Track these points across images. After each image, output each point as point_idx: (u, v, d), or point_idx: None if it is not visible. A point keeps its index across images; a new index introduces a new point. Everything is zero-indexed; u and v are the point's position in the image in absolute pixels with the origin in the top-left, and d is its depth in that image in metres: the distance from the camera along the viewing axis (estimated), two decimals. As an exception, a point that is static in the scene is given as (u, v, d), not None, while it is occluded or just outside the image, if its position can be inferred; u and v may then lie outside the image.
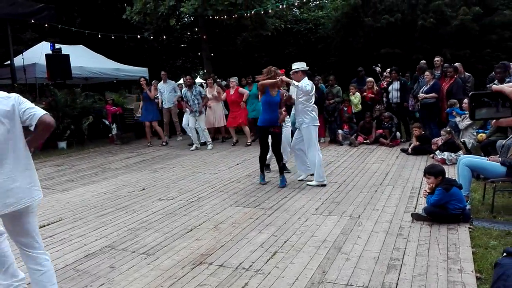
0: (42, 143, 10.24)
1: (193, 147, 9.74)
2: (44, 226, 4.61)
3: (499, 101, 1.28)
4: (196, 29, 16.69)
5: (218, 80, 12.05)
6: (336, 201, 5.11)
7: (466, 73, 9.06)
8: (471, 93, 1.34)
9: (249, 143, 9.80)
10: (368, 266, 3.30)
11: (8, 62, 11.34)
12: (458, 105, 7.45)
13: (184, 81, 10.49)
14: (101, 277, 3.32)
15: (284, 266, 3.38)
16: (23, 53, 11.44)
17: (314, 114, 6.06)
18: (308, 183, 6.02)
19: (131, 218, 4.77)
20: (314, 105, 6.11)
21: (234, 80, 10.08)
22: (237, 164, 7.71)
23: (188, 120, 9.77)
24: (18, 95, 2.63)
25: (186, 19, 18.72)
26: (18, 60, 11.30)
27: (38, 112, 2.55)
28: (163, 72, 11.16)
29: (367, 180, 6.12)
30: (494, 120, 1.39)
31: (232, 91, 9.90)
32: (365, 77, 10.76)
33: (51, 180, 7.05)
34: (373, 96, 9.77)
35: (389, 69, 10.04)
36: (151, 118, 10.48)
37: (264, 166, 6.33)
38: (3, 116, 2.48)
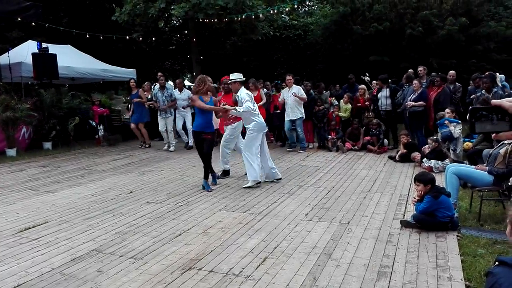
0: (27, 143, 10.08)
1: (170, 147, 9.94)
2: (30, 228, 4.50)
3: (498, 115, 1.30)
4: (186, 32, 16.64)
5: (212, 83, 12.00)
6: (325, 207, 5.12)
7: (456, 83, 9.21)
8: (470, 107, 1.36)
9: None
10: (358, 273, 3.30)
11: (-7, 60, 11.10)
12: (447, 114, 7.53)
13: (158, 81, 10.42)
14: (88, 281, 3.25)
15: (275, 272, 3.36)
16: (9, 52, 11.22)
17: (261, 119, 6.35)
18: (244, 186, 6.22)
19: (119, 222, 4.70)
20: (258, 112, 6.41)
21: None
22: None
23: (163, 124, 9.93)
24: None
25: (175, 22, 18.66)
26: (3, 59, 11.06)
27: None
28: (178, 80, 11.03)
29: (356, 186, 6.16)
30: (494, 134, 1.41)
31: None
32: (356, 84, 10.89)
33: (36, 181, 6.90)
34: (362, 104, 9.88)
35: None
36: (137, 120, 10.40)
37: (208, 172, 6.22)
38: None
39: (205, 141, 6.12)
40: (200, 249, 3.86)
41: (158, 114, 10.04)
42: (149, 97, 10.56)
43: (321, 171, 7.27)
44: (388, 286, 3.09)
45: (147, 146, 10.51)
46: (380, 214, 4.80)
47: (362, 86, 10.35)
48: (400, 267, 3.40)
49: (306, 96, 9.35)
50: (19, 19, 11.29)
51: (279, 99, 9.70)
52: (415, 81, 8.50)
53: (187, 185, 6.40)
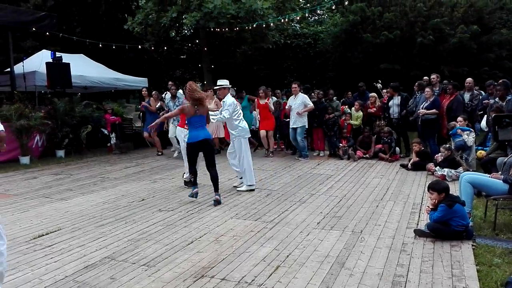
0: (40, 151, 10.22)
1: (176, 154, 9.97)
2: (43, 235, 4.54)
3: None
4: (197, 41, 16.78)
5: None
6: (337, 216, 5.08)
7: (475, 91, 9.13)
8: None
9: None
10: (372, 283, 3.26)
11: (8, 69, 11.31)
12: (459, 123, 7.46)
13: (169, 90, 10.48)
14: (101, 288, 3.27)
15: (287, 281, 3.34)
16: (24, 61, 11.43)
17: (243, 126, 6.58)
18: (238, 188, 6.54)
19: (131, 229, 4.72)
20: (241, 118, 6.64)
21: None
22: (237, 176, 7.65)
23: (174, 131, 9.86)
24: None
25: (186, 31, 18.85)
26: (18, 68, 11.27)
27: None
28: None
29: (368, 194, 6.11)
30: None
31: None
32: (367, 92, 10.86)
33: (49, 188, 6.97)
34: (374, 112, 9.84)
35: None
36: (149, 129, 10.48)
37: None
38: None
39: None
40: (212, 257, 3.85)
41: (170, 121, 10.09)
42: (158, 106, 10.65)
43: (333, 179, 7.23)
44: (403, 296, 3.05)
45: (159, 154, 10.58)
46: (393, 223, 4.75)
47: (373, 94, 10.33)
48: (415, 277, 3.35)
49: (312, 105, 9.34)
50: (33, 29, 11.51)
51: (286, 107, 9.74)
52: (427, 89, 8.45)
53: (199, 193, 6.39)
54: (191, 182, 6.17)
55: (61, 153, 10.39)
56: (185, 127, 6.58)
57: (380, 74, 15.03)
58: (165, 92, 11.49)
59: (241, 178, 6.75)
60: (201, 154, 6.04)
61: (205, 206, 5.63)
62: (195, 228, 4.72)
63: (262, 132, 9.99)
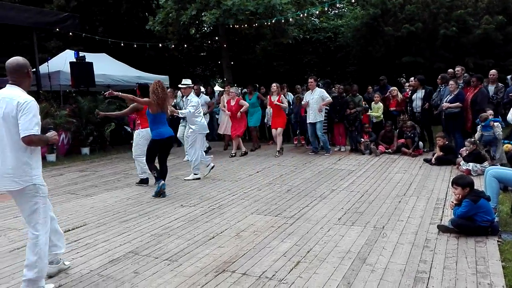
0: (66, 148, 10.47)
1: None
2: (69, 230, 4.67)
3: None
4: (216, 38, 16.85)
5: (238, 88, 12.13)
6: (359, 211, 5.04)
7: (499, 83, 8.88)
8: None
9: (244, 152, 9.82)
10: (394, 279, 3.23)
11: (34, 69, 11.62)
12: (491, 115, 7.28)
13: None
14: (125, 282, 3.34)
15: (308, 276, 3.34)
16: (48, 61, 11.73)
17: (202, 123, 7.37)
18: (185, 178, 7.21)
19: (154, 224, 4.80)
20: (202, 115, 7.48)
21: (234, 91, 10.12)
22: (257, 172, 7.70)
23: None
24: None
25: (205, 28, 18.94)
26: (43, 68, 11.58)
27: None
28: (196, 86, 11.11)
29: (390, 190, 6.04)
30: None
31: (233, 102, 9.87)
32: (388, 86, 10.70)
33: (75, 185, 7.16)
34: (395, 108, 9.68)
35: (412, 78, 9.95)
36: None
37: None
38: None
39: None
40: (233, 252, 3.89)
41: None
42: (173, 103, 10.72)
43: (354, 175, 7.17)
44: (426, 292, 3.01)
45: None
46: (416, 219, 4.68)
47: (394, 87, 10.16)
48: (438, 273, 3.30)
49: (330, 98, 9.25)
50: (57, 29, 11.78)
51: (303, 102, 9.65)
52: (451, 82, 8.26)
53: (219, 189, 6.47)
54: (156, 178, 6.18)
55: (86, 150, 10.64)
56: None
57: (402, 67, 14.77)
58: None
59: (208, 166, 7.50)
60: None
61: (226, 202, 5.68)
62: (216, 223, 4.77)
63: (274, 131, 9.92)
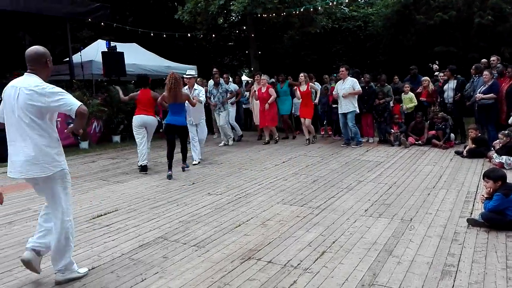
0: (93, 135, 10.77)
1: (229, 142, 10.14)
2: (101, 215, 4.85)
3: None
4: (244, 27, 16.83)
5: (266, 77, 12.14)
6: (386, 203, 5.00)
7: None
8: None
9: (277, 139, 10.07)
10: (421, 271, 3.21)
11: (67, 59, 11.98)
12: None
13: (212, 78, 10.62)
14: (155, 266, 3.45)
15: (333, 266, 3.36)
16: (81, 51, 12.04)
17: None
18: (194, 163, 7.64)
19: (182, 211, 4.92)
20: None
21: (265, 78, 10.11)
22: (283, 162, 7.72)
23: (224, 119, 10.03)
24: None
25: (233, 17, 18.94)
26: (76, 57, 11.92)
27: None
28: (225, 75, 11.13)
29: (419, 182, 5.94)
30: None
31: (264, 89, 9.89)
32: (419, 76, 10.44)
33: (106, 172, 7.38)
34: (426, 98, 9.44)
35: (443, 71, 9.66)
36: None
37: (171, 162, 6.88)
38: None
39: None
40: (259, 240, 3.94)
41: (215, 111, 10.16)
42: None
43: (382, 166, 7.09)
44: (453, 286, 2.98)
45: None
46: (445, 212, 4.60)
47: (426, 78, 9.89)
48: (466, 267, 3.26)
49: (360, 89, 9.08)
50: (89, 19, 12.04)
51: (333, 92, 9.53)
52: (485, 72, 7.99)
53: (246, 178, 6.53)
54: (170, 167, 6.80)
55: (116, 138, 10.92)
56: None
57: (434, 57, 14.37)
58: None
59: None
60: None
61: (252, 191, 5.74)
62: (243, 212, 4.84)
63: (303, 120, 9.88)
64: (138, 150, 7.23)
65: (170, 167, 6.76)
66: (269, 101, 9.71)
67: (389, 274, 3.19)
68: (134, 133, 7.34)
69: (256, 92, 10.08)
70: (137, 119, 7.29)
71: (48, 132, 3.10)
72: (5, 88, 3.13)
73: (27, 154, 3.02)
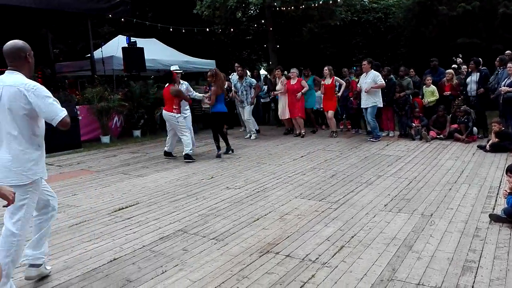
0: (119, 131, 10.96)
1: (251, 136, 10.21)
2: (123, 208, 4.95)
3: None
4: (263, 21, 16.79)
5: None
6: (406, 198, 4.95)
7: None
8: None
9: (303, 134, 10.02)
10: (441, 267, 3.18)
11: (89, 55, 12.18)
12: None
13: (236, 71, 10.69)
14: (175, 258, 3.51)
15: (352, 261, 3.35)
16: (102, 46, 12.22)
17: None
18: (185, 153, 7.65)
19: (201, 205, 4.98)
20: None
21: (295, 71, 10.14)
22: (302, 157, 7.71)
23: (248, 113, 10.15)
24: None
25: (252, 11, 18.89)
26: (97, 53, 12.10)
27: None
28: (240, 68, 11.16)
29: (441, 177, 5.85)
30: None
31: (293, 81, 9.91)
32: (440, 68, 10.22)
33: (127, 166, 7.51)
34: (450, 92, 9.24)
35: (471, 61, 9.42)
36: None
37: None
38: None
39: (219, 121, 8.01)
40: (277, 234, 3.96)
41: (238, 104, 10.30)
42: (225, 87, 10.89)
43: (402, 161, 7.00)
44: (474, 282, 2.94)
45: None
46: (466, 207, 4.53)
47: (450, 70, 9.65)
48: (488, 263, 3.21)
49: (383, 83, 8.94)
50: (110, 16, 12.20)
51: (357, 86, 9.44)
52: (510, 64, 7.77)
53: (264, 172, 6.55)
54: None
55: (137, 133, 11.08)
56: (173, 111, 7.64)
57: (457, 49, 14.01)
58: (232, 73, 11.71)
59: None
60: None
61: (270, 185, 5.75)
62: (261, 206, 4.86)
63: (329, 113, 9.86)
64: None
65: (218, 148, 7.90)
66: (302, 91, 9.82)
67: (409, 269, 3.16)
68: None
69: (284, 86, 10.12)
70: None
71: (27, 137, 2.86)
72: None
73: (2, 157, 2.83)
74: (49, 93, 2.85)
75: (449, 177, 5.85)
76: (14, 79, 2.81)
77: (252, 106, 10.33)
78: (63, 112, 2.82)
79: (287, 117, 10.36)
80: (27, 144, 2.85)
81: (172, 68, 8.34)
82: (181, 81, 8.30)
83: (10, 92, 2.77)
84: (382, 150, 8.07)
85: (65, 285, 3.14)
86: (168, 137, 7.98)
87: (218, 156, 7.84)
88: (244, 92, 10.13)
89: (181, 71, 8.27)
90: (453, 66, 10.52)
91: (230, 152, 8.22)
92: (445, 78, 9.44)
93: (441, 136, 8.83)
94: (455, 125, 8.73)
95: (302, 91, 9.84)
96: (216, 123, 8.02)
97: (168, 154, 7.98)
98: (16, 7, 9.64)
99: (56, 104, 2.84)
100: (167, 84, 7.82)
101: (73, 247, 3.82)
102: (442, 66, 10.42)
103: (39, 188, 2.97)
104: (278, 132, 11.09)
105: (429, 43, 15.14)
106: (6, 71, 2.86)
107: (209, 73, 8.07)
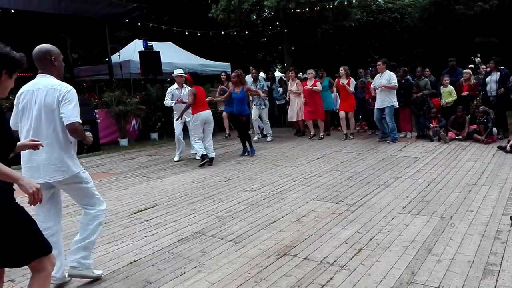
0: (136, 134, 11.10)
1: (268, 137, 10.21)
2: (142, 210, 5.02)
3: None
4: (277, 23, 16.80)
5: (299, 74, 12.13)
6: (425, 200, 4.89)
7: None
8: None
9: (321, 136, 9.97)
10: (461, 270, 3.14)
11: (106, 59, 12.39)
12: None
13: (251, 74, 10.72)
14: (193, 260, 3.55)
15: (370, 263, 3.33)
16: (119, 51, 12.42)
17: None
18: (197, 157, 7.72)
19: (218, 207, 5.01)
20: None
21: (311, 72, 10.10)
22: (318, 158, 7.69)
23: (256, 114, 10.19)
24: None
25: (266, 13, 18.92)
26: (114, 57, 12.31)
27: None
28: (255, 71, 11.14)
29: (460, 178, 5.77)
30: None
31: (310, 83, 9.87)
32: (458, 68, 10.08)
33: (145, 168, 7.61)
34: (468, 92, 9.09)
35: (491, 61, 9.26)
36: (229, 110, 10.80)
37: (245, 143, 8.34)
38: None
39: (241, 122, 8.22)
40: (294, 237, 3.97)
41: (253, 104, 10.35)
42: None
43: (420, 162, 6.92)
44: (495, 285, 2.90)
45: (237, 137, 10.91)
46: (487, 209, 4.46)
47: (467, 70, 9.52)
48: (510, 266, 3.15)
49: (395, 84, 8.82)
50: (126, 20, 12.39)
51: (372, 86, 9.37)
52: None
53: (280, 174, 6.56)
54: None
55: (154, 135, 11.22)
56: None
57: (475, 48, 13.78)
58: (246, 75, 11.73)
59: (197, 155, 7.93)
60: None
61: (286, 188, 5.76)
62: (277, 208, 4.87)
63: (342, 113, 9.78)
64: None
65: (244, 145, 8.34)
66: (315, 89, 9.75)
67: (428, 272, 3.13)
68: None
69: (299, 87, 10.13)
70: None
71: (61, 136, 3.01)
72: (18, 95, 3.02)
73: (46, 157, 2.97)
74: (77, 101, 2.98)
75: (469, 178, 5.76)
76: (46, 81, 2.96)
77: (267, 107, 10.30)
78: (77, 118, 2.93)
79: (299, 119, 10.35)
80: (63, 142, 3.01)
81: (176, 71, 8.27)
82: (184, 85, 8.26)
83: (44, 94, 2.92)
84: (399, 151, 7.99)
85: (86, 287, 3.20)
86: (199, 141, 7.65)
87: (252, 154, 8.27)
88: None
89: (185, 74, 8.18)
90: (470, 66, 10.37)
91: (246, 154, 8.29)
92: (462, 78, 9.31)
93: (460, 137, 8.70)
94: (474, 126, 8.59)
95: (315, 89, 9.74)
96: (243, 125, 8.29)
97: (210, 160, 7.56)
98: (35, 13, 9.88)
99: (76, 111, 2.94)
100: (194, 85, 7.58)
101: (94, 249, 3.86)
102: (459, 66, 10.27)
103: (87, 178, 3.17)
104: (294, 134, 11.07)
105: (446, 42, 14.93)
106: (37, 75, 3.01)
107: (233, 74, 8.35)
